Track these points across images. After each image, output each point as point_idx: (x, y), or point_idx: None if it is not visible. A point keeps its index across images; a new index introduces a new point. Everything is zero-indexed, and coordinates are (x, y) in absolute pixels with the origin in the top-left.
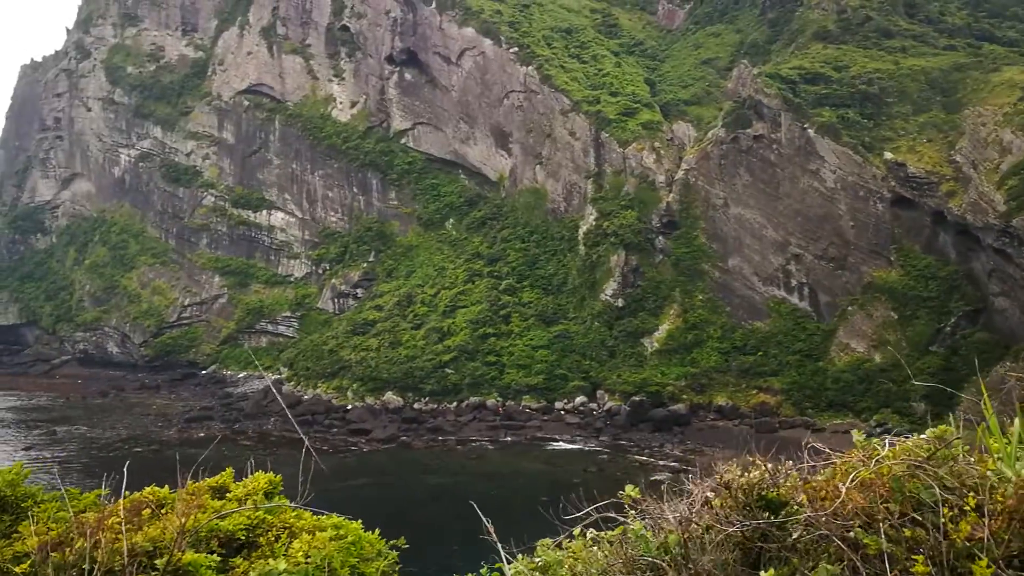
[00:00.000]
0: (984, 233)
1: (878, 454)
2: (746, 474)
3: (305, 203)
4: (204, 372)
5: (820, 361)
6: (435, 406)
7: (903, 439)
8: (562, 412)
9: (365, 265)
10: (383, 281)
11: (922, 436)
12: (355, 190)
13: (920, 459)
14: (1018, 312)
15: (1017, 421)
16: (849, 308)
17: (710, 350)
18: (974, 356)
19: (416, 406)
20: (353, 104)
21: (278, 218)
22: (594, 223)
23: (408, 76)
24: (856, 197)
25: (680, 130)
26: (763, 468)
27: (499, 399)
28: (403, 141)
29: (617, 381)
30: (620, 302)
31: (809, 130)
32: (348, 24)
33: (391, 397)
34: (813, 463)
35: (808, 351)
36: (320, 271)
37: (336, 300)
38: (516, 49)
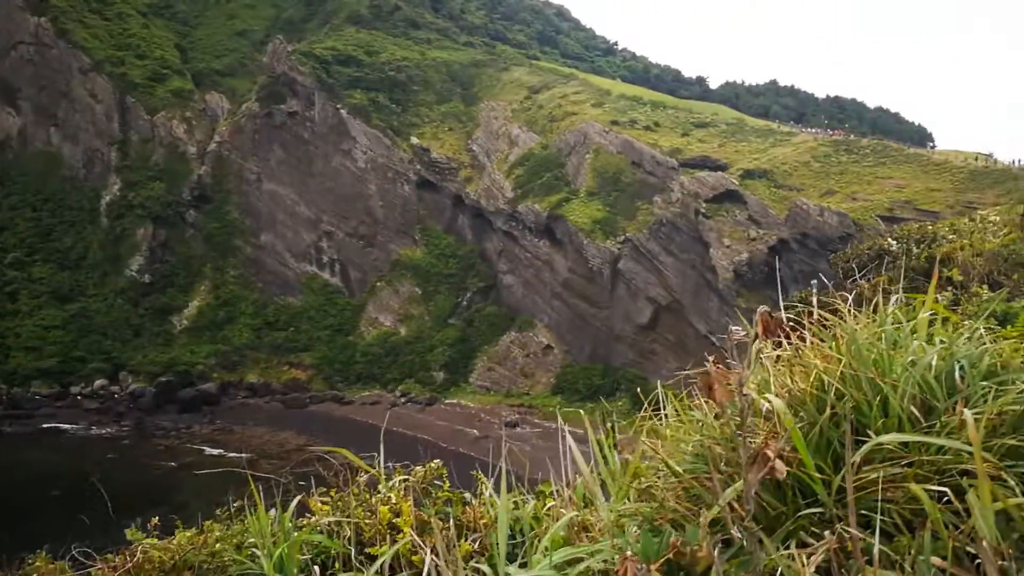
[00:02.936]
0: (495, 217)
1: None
2: None
3: None
4: None
5: (350, 335)
6: None
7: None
8: (79, 397)
9: None
10: None
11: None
12: None
13: None
14: (521, 288)
15: None
16: (378, 284)
17: (242, 327)
18: (485, 327)
19: None
20: None
21: None
22: (119, 193)
23: None
24: (385, 178)
25: (213, 101)
26: None
27: (2, 386)
28: None
29: (143, 361)
30: (147, 278)
31: (342, 111)
32: None
33: None
34: None
35: (339, 326)
36: None
37: None
38: None
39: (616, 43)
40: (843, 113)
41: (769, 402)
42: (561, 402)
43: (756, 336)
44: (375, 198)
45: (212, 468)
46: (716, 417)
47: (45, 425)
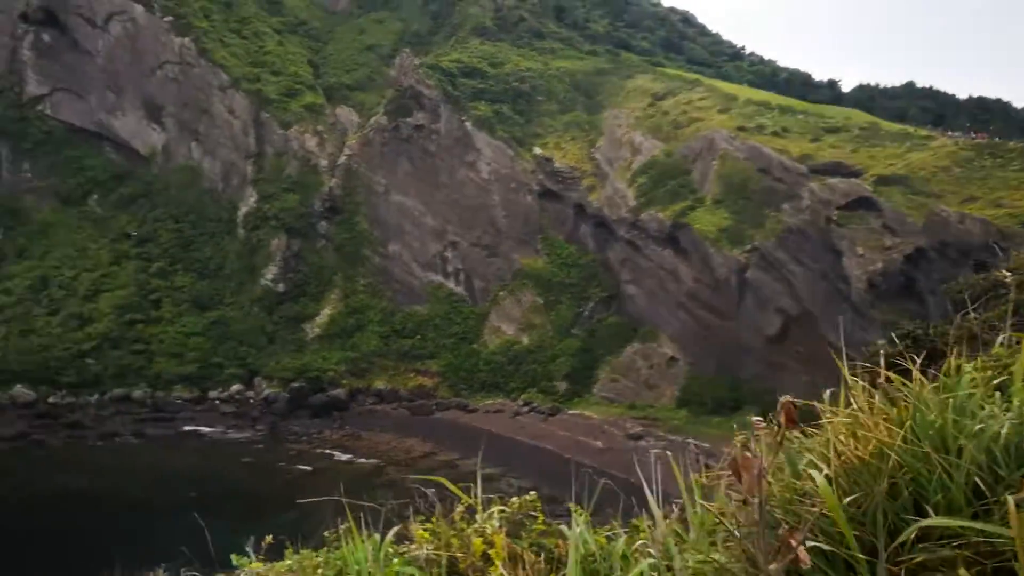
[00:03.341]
0: (618, 225)
1: None
2: None
3: None
4: None
5: (474, 343)
6: (74, 399)
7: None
8: (217, 401)
9: None
10: (13, 262)
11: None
12: None
13: None
14: (645, 298)
15: None
16: (501, 293)
17: (371, 334)
18: (608, 338)
19: (51, 400)
20: None
21: None
22: (254, 205)
23: (46, 37)
24: (508, 189)
25: (343, 115)
26: None
27: (147, 390)
28: (39, 108)
29: (276, 368)
30: (281, 287)
31: (467, 123)
32: None
33: (21, 391)
34: None
35: (463, 334)
36: None
37: None
38: (171, 18)
39: (743, 47)
40: (987, 115)
41: (813, 477)
42: (687, 416)
43: (780, 427)
44: (498, 208)
45: (343, 473)
46: (744, 503)
47: (186, 428)
